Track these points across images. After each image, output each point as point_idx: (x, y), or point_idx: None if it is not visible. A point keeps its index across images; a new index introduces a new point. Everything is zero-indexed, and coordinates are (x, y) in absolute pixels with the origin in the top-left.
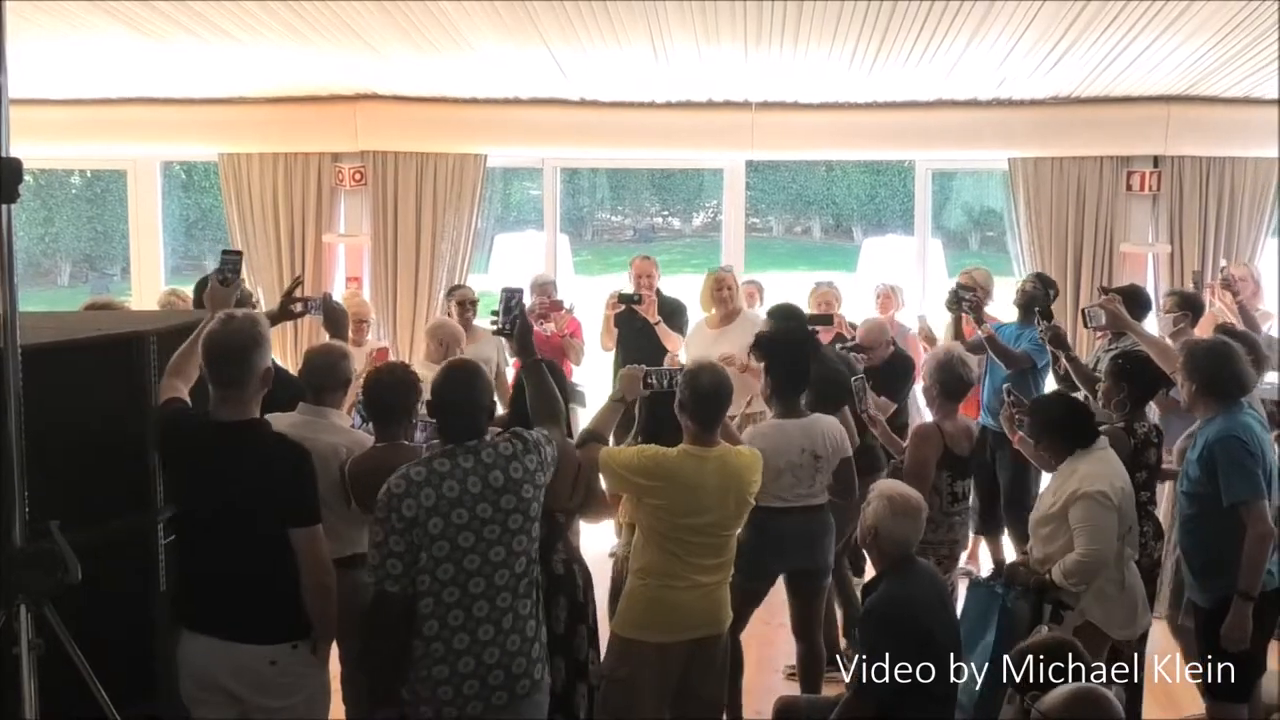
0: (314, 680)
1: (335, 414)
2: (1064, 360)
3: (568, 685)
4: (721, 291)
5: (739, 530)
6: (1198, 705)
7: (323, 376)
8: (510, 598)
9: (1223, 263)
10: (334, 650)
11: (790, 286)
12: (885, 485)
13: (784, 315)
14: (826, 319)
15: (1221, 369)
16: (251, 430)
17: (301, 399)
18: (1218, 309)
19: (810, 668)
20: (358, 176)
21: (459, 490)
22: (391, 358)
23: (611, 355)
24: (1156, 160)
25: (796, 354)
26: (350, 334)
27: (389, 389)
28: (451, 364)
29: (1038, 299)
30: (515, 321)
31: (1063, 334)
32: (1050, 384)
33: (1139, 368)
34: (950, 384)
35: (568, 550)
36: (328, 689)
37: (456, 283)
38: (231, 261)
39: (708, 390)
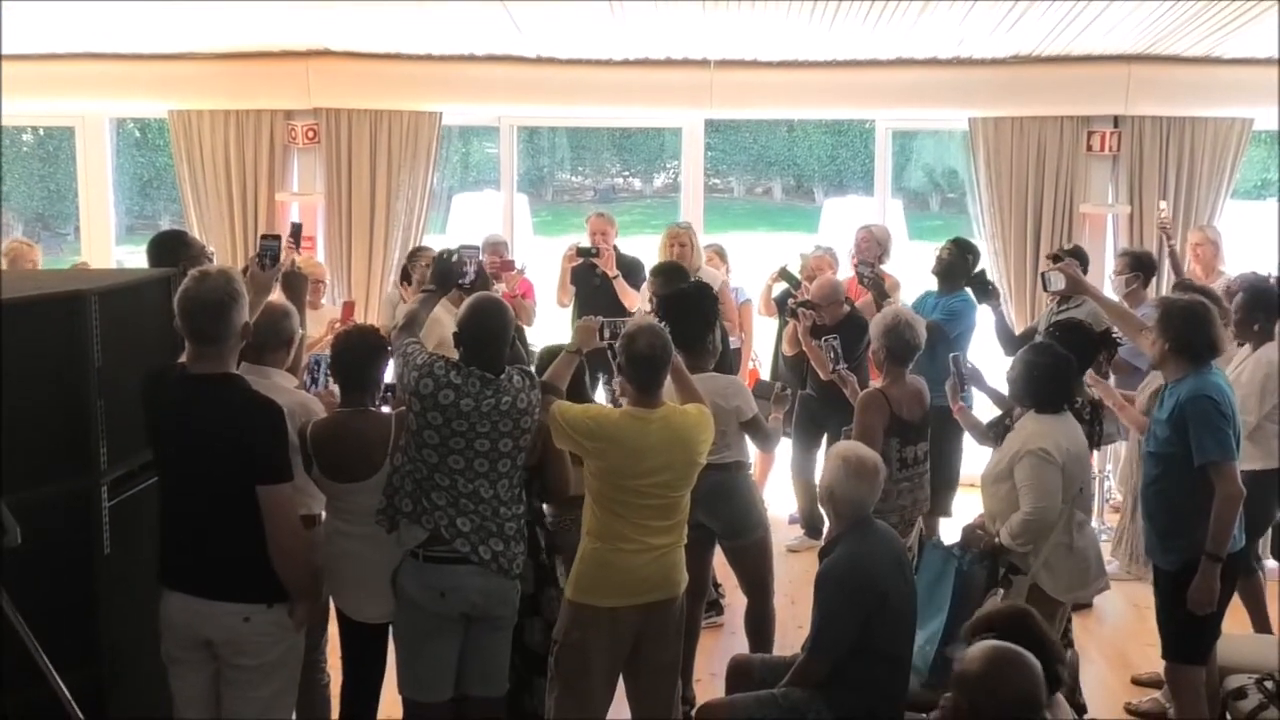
0: (287, 642)
1: (278, 374)
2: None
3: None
4: (673, 248)
5: (689, 491)
6: (1149, 665)
7: (265, 335)
8: (487, 486)
9: (1161, 205)
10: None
11: (751, 247)
12: (842, 446)
13: (667, 272)
14: (794, 281)
15: (1197, 330)
16: (225, 384)
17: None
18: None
19: (757, 627)
20: (311, 134)
21: (451, 399)
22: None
23: (569, 312)
24: (1117, 120)
25: (695, 309)
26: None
27: (358, 353)
28: (480, 300)
29: (956, 266)
30: (475, 278)
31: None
32: (974, 351)
33: (1070, 339)
34: (896, 348)
35: (531, 511)
36: (300, 654)
37: (417, 245)
38: (270, 247)
39: (644, 353)
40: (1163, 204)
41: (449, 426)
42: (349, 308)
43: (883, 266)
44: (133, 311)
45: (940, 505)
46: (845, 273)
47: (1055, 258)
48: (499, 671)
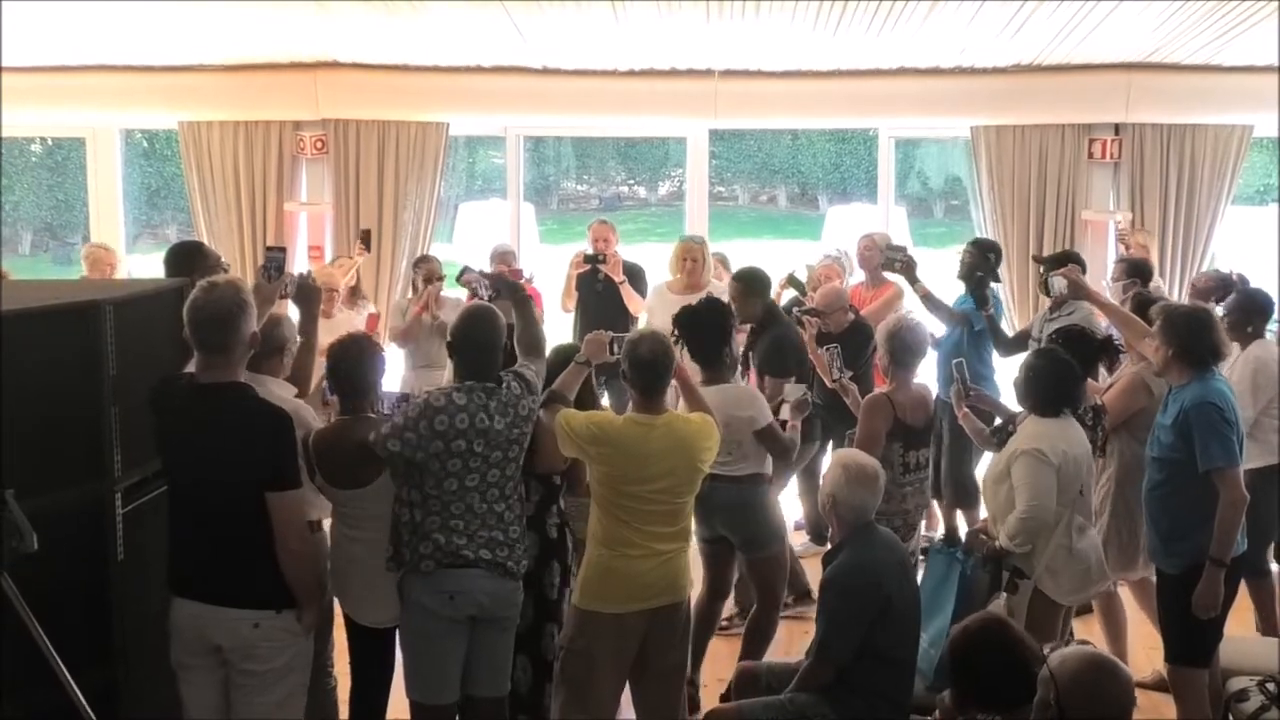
0: (296, 647)
1: (274, 382)
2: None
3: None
4: (685, 262)
5: (693, 497)
6: (1151, 668)
7: (259, 343)
8: (499, 498)
9: (1118, 217)
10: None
11: (756, 255)
12: (842, 454)
13: (747, 279)
14: (802, 289)
15: (1200, 337)
16: (233, 392)
17: None
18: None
19: (758, 634)
20: (319, 145)
21: (468, 423)
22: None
23: (570, 318)
24: (1118, 128)
25: (709, 325)
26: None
27: (350, 360)
28: (473, 309)
29: (978, 267)
30: (498, 293)
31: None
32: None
33: (1072, 346)
34: (899, 353)
35: (562, 515)
36: (308, 659)
37: (421, 254)
38: (275, 259)
39: (646, 359)
40: (1119, 216)
41: (470, 449)
42: (374, 319)
43: (885, 274)
44: (147, 321)
45: (967, 504)
46: (855, 280)
47: (1038, 260)
48: (502, 672)
